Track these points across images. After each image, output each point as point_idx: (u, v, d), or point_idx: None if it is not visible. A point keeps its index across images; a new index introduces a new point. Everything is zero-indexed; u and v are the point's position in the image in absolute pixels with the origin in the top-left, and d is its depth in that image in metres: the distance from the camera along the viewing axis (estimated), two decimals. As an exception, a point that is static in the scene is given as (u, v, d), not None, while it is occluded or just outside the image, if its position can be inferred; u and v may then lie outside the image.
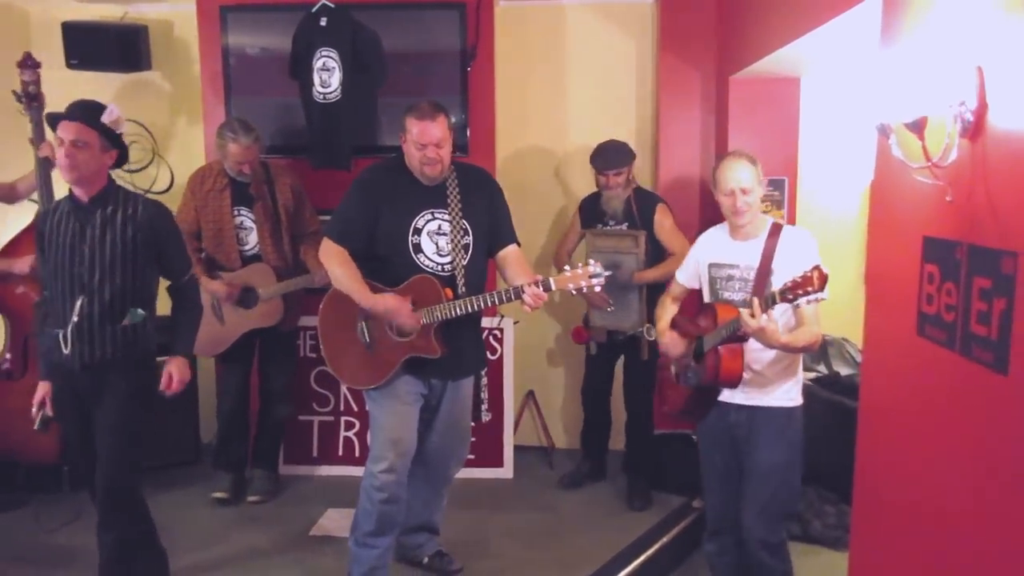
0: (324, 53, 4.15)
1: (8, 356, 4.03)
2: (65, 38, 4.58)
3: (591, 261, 2.99)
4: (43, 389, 3.07)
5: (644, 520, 3.96)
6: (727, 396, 2.87)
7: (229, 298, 4.00)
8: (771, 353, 2.78)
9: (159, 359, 3.09)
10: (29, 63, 4.00)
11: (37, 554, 3.64)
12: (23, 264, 3.78)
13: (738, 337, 2.65)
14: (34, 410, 3.07)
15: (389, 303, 3.00)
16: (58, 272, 2.94)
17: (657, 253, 4.08)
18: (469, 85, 4.41)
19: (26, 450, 4.02)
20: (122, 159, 3.02)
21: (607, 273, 2.97)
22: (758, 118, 4.24)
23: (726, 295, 2.88)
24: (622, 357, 4.30)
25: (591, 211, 4.21)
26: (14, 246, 4.01)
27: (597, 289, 2.99)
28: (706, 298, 2.99)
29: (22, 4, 4.77)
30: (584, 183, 4.55)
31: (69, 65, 4.58)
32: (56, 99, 4.15)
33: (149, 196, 4.48)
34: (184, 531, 3.86)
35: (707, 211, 4.61)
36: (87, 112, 2.89)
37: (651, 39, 4.68)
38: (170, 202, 4.53)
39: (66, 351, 2.92)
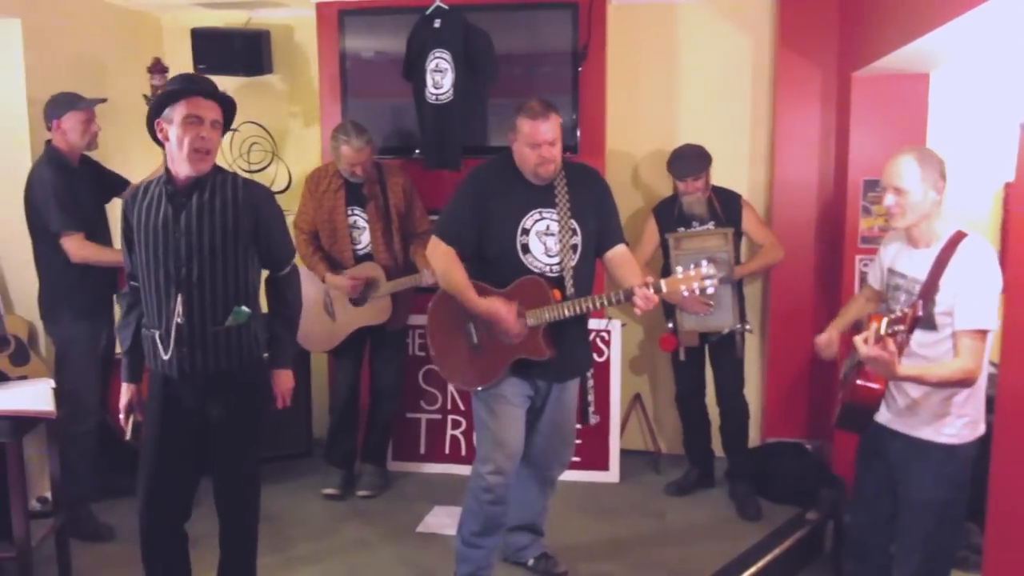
0: (437, 54, 4.20)
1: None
2: (194, 44, 4.78)
3: (703, 262, 2.88)
4: (128, 392, 2.82)
5: (754, 531, 3.84)
6: (884, 418, 2.64)
7: (352, 292, 4.08)
8: None
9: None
10: (158, 68, 4.21)
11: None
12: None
13: None
14: (121, 417, 2.84)
15: (495, 309, 2.98)
16: (150, 265, 2.64)
17: (738, 252, 4.09)
18: (580, 85, 4.38)
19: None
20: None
21: (721, 275, 2.88)
22: (883, 117, 4.05)
23: (895, 307, 2.61)
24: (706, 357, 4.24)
25: (668, 216, 4.15)
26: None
27: (710, 291, 2.90)
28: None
29: (156, 12, 5.02)
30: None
31: (197, 70, 4.78)
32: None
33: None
34: (297, 522, 3.99)
35: (824, 216, 4.45)
36: (212, 86, 2.66)
37: (769, 35, 4.54)
38: (287, 202, 4.71)
39: (165, 357, 2.66)
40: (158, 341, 2.67)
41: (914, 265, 2.58)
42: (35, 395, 3.20)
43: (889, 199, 2.53)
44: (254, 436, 2.85)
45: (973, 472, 2.58)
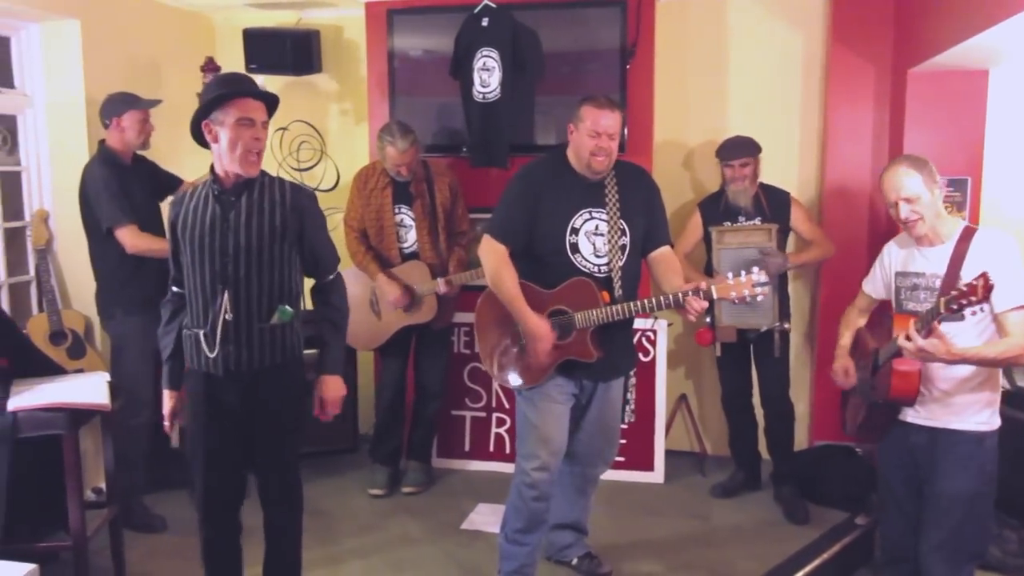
0: (485, 53, 4.21)
1: None
2: (246, 44, 4.85)
3: (755, 269, 2.87)
4: (171, 399, 2.84)
5: (801, 534, 3.78)
6: (909, 415, 2.66)
7: (396, 304, 4.11)
8: (960, 369, 2.54)
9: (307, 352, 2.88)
10: (211, 67, 4.28)
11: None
12: None
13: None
14: (167, 424, 2.87)
15: (537, 330, 2.97)
16: (197, 264, 2.68)
17: (782, 244, 4.06)
18: (628, 83, 4.35)
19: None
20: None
21: (769, 281, 2.86)
22: (939, 115, 3.96)
23: (910, 306, 2.67)
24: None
25: (713, 210, 4.12)
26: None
27: (760, 299, 2.88)
28: (893, 310, 2.79)
29: (208, 13, 5.10)
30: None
31: (248, 69, 4.85)
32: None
33: (316, 193, 4.76)
34: (343, 517, 4.03)
35: (877, 216, 4.36)
36: (256, 86, 2.68)
37: (821, 30, 4.46)
38: (335, 200, 4.77)
39: (211, 355, 2.69)
40: (203, 339, 2.70)
41: (929, 262, 2.63)
42: (91, 388, 3.27)
43: (904, 210, 2.58)
44: (295, 431, 2.86)
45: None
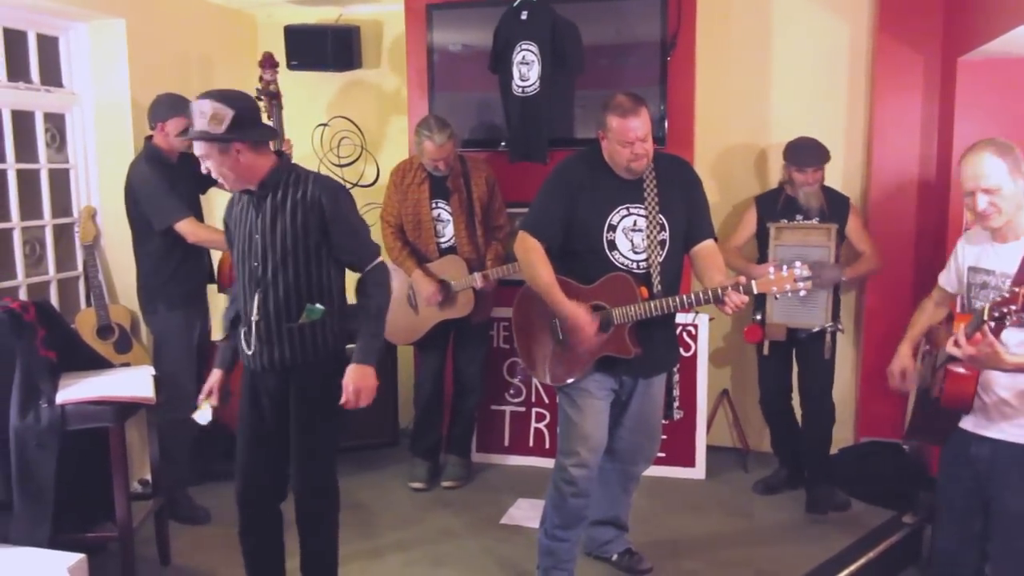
0: (524, 47, 4.19)
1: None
2: (287, 41, 4.89)
3: (797, 264, 2.78)
4: (215, 377, 2.93)
5: (846, 533, 3.72)
6: (969, 423, 2.47)
7: (431, 301, 4.12)
8: (1023, 378, 2.34)
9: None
10: (269, 63, 4.30)
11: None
12: None
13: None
14: (200, 397, 2.94)
15: (577, 319, 2.94)
16: (237, 264, 2.79)
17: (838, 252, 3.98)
18: (668, 76, 4.30)
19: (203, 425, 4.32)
20: (261, 136, 2.69)
21: (813, 276, 2.78)
22: (991, 105, 3.84)
23: (978, 305, 2.43)
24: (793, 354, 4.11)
25: (771, 206, 4.06)
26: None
27: (802, 294, 2.81)
28: (958, 307, 2.62)
29: (252, 10, 5.15)
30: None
31: (290, 66, 4.89)
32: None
33: (355, 189, 4.79)
34: (383, 510, 4.06)
35: (924, 209, 4.26)
36: (201, 132, 2.59)
37: (867, 19, 4.37)
38: (375, 196, 4.79)
39: (249, 352, 2.79)
40: (243, 337, 2.82)
41: (1002, 260, 2.43)
42: (137, 381, 3.33)
43: (982, 201, 2.36)
44: (327, 424, 2.86)
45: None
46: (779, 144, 4.48)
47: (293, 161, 2.93)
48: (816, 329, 3.94)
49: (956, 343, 2.23)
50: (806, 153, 3.95)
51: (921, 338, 2.75)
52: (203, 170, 2.71)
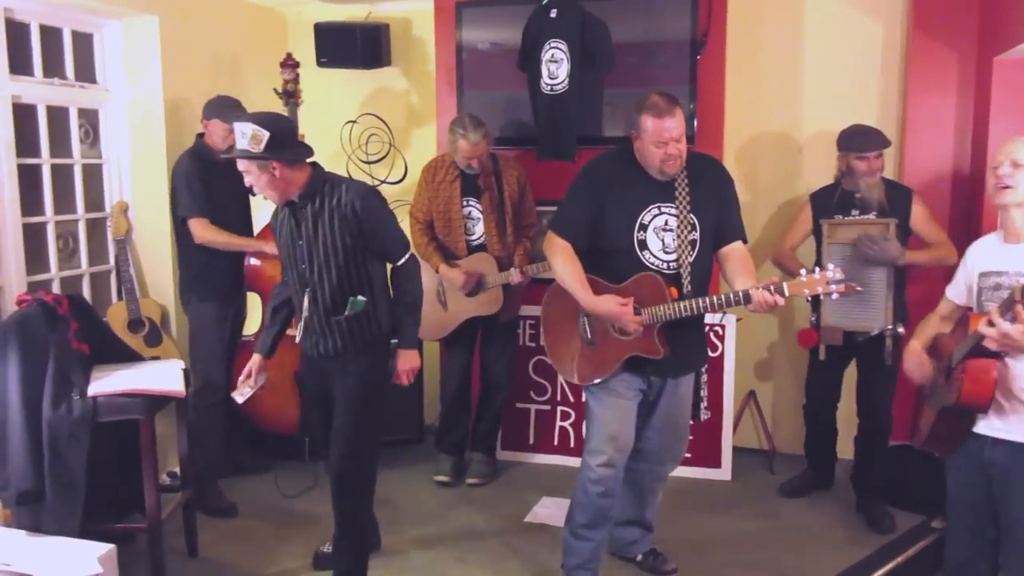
0: (553, 45, 4.18)
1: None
2: (317, 38, 4.92)
3: (830, 266, 2.74)
4: (254, 362, 3.21)
5: (874, 537, 3.69)
6: (984, 427, 2.44)
7: (464, 287, 4.13)
8: None
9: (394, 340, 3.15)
10: (289, 63, 4.37)
11: (277, 515, 3.97)
12: (272, 247, 4.02)
13: (990, 351, 2.29)
14: (240, 378, 3.22)
15: (612, 307, 2.92)
16: (287, 268, 3.11)
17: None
18: (698, 74, 4.28)
19: (274, 421, 4.39)
20: (295, 156, 2.93)
21: (845, 280, 2.74)
22: (1028, 104, 3.79)
23: (990, 308, 2.41)
24: (852, 362, 3.97)
25: (826, 203, 3.90)
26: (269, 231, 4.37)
27: (834, 298, 2.77)
28: (972, 312, 2.58)
29: (282, 8, 5.18)
30: (822, 175, 4.27)
31: (319, 63, 4.93)
32: (305, 95, 4.50)
33: (383, 186, 4.81)
34: (408, 506, 4.07)
35: (958, 209, 4.21)
36: (242, 151, 2.87)
37: (901, 17, 4.31)
38: (403, 193, 4.81)
39: (305, 343, 3.12)
40: (300, 330, 3.11)
41: (1015, 260, 2.44)
42: (167, 375, 3.37)
43: (1005, 168, 2.42)
44: (369, 409, 3.11)
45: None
46: (813, 143, 4.47)
47: (323, 166, 3.13)
48: (875, 332, 3.73)
49: (989, 322, 2.22)
50: (866, 138, 3.75)
51: (931, 343, 2.71)
52: (246, 183, 2.98)
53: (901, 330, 3.71)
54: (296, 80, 4.40)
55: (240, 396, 3.20)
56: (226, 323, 4.06)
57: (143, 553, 3.28)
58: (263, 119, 2.87)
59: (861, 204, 3.79)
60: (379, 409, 3.17)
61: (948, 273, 4.05)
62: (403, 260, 3.09)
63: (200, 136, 3.98)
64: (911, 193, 3.83)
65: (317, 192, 2.97)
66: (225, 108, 3.90)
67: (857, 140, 3.77)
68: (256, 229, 4.25)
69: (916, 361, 2.67)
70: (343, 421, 3.08)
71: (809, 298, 2.78)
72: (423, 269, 4.06)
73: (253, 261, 4.16)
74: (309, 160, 3.01)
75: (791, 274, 3.19)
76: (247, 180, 2.93)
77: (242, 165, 2.90)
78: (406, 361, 3.13)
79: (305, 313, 3.05)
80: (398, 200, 4.80)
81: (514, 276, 4.08)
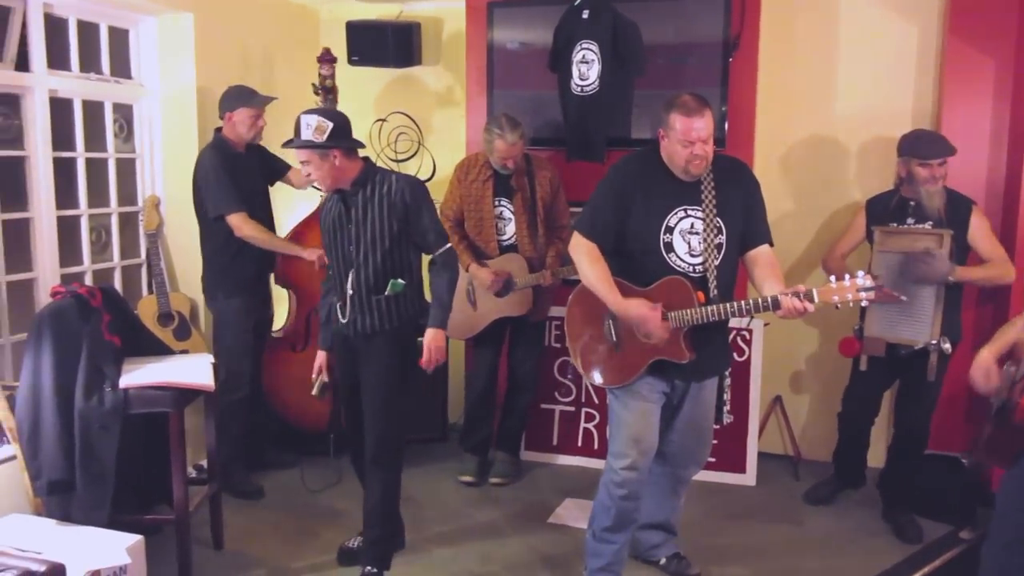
0: (584, 45, 4.18)
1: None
2: (348, 36, 4.95)
3: (860, 273, 2.71)
4: (321, 357, 3.43)
5: (901, 547, 3.66)
6: None
7: (492, 287, 4.13)
8: None
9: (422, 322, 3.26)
10: (327, 58, 4.40)
11: (303, 510, 4.00)
12: (312, 254, 4.05)
13: None
14: (313, 376, 3.42)
15: (639, 311, 2.91)
16: (332, 250, 3.27)
17: (957, 260, 3.61)
18: (730, 76, 4.25)
19: (301, 417, 4.43)
20: (353, 145, 3.16)
21: (876, 287, 2.70)
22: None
23: None
24: (896, 381, 3.89)
25: (882, 211, 3.79)
26: (304, 230, 4.40)
27: (864, 304, 2.74)
28: None
29: (315, 5, 5.21)
30: (854, 181, 4.25)
31: (350, 61, 4.95)
32: (341, 93, 4.52)
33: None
34: (431, 504, 4.08)
35: (995, 222, 4.11)
36: (306, 140, 3.08)
37: (936, 22, 4.26)
38: (431, 190, 4.78)
39: (343, 320, 3.25)
40: (338, 308, 3.27)
41: None
42: (197, 369, 3.40)
43: None
44: (399, 385, 3.24)
45: None
46: (845, 147, 4.43)
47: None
48: (919, 347, 3.59)
49: None
50: (932, 144, 3.60)
51: (1007, 350, 2.61)
52: (303, 174, 3.16)
53: (947, 347, 3.59)
54: (333, 76, 4.44)
55: (319, 393, 3.41)
56: (252, 317, 4.11)
57: (170, 544, 3.31)
58: (325, 112, 3.16)
59: (918, 212, 3.67)
60: (406, 392, 3.29)
61: (1005, 292, 3.99)
62: (442, 250, 3.24)
63: (219, 130, 4.00)
64: (971, 205, 3.69)
65: (369, 181, 3.17)
66: (247, 95, 3.95)
67: (921, 146, 3.62)
68: (279, 217, 4.28)
69: (983, 371, 2.58)
70: (377, 396, 3.22)
71: (839, 305, 2.74)
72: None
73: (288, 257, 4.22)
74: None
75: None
76: (304, 169, 3.13)
77: (303, 155, 3.10)
78: (433, 339, 3.21)
79: (349, 291, 3.21)
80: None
81: (545, 278, 4.08)
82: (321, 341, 3.47)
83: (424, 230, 3.21)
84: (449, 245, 3.27)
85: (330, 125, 3.06)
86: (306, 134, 3.06)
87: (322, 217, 3.34)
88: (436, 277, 3.27)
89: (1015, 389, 2.38)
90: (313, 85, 4.39)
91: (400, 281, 3.21)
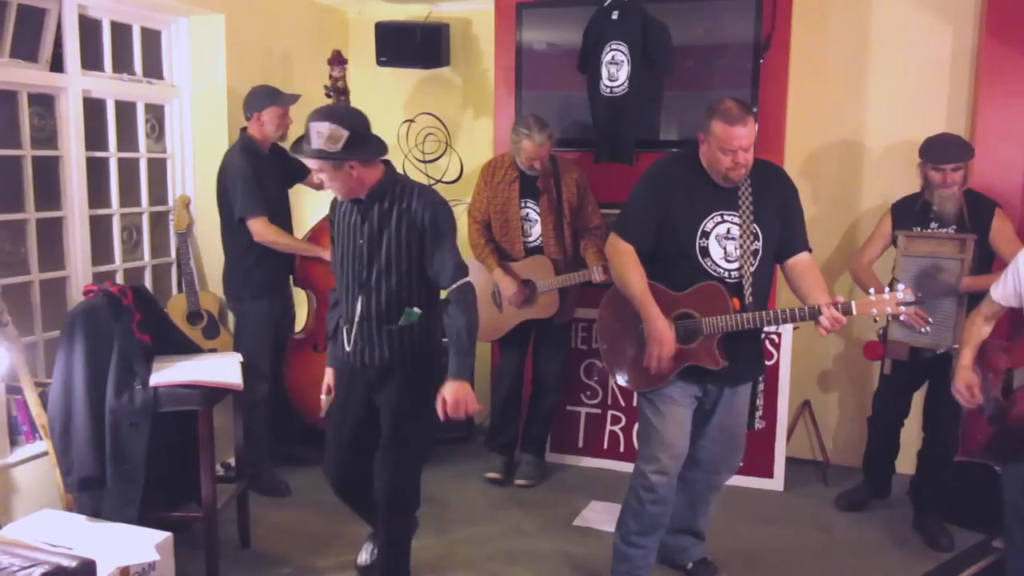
0: (614, 47, 4.16)
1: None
2: (377, 37, 4.96)
3: (900, 286, 2.68)
4: (329, 376, 3.13)
5: (931, 554, 3.60)
6: None
7: (514, 300, 4.12)
8: None
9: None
10: (338, 60, 4.40)
11: (329, 509, 3.98)
12: (329, 255, 4.07)
13: None
14: (322, 395, 3.15)
15: (661, 333, 2.89)
16: (341, 266, 2.93)
17: (982, 264, 3.58)
18: (760, 79, 4.21)
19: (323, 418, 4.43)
20: (373, 153, 2.79)
21: (918, 300, 2.67)
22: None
23: None
24: (925, 383, 3.84)
25: (906, 214, 3.77)
26: (322, 230, 4.39)
27: (902, 319, 2.71)
28: None
29: (343, 6, 5.23)
30: (886, 186, 4.18)
31: (379, 62, 4.96)
32: (364, 94, 4.52)
33: (438, 185, 4.83)
34: (456, 505, 4.08)
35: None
36: (317, 150, 2.72)
37: (972, 24, 4.20)
38: (458, 191, 4.82)
39: (348, 348, 2.94)
40: (345, 333, 2.96)
41: None
42: (226, 368, 3.42)
43: None
44: (416, 425, 2.98)
45: None
46: (876, 152, 4.38)
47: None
48: (941, 351, 3.57)
49: None
50: (943, 149, 3.60)
51: (977, 351, 2.68)
52: (315, 181, 2.88)
53: None
54: (344, 77, 4.41)
55: (328, 413, 3.13)
56: (274, 319, 4.11)
57: (198, 542, 3.33)
58: (341, 116, 2.73)
59: (940, 217, 3.66)
60: (425, 426, 3.02)
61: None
62: (456, 285, 2.81)
63: (244, 130, 4.01)
64: (994, 207, 3.66)
65: (387, 193, 2.82)
66: (274, 94, 3.94)
67: (933, 151, 3.64)
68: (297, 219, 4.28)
69: (964, 385, 2.65)
70: (391, 444, 2.94)
71: (877, 319, 2.71)
72: (478, 270, 4.09)
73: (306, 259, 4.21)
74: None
75: (865, 290, 3.09)
76: (316, 177, 2.80)
77: (315, 164, 2.74)
78: (454, 391, 2.79)
79: (358, 318, 2.88)
80: (453, 199, 4.76)
81: (596, 275, 3.97)
82: (329, 358, 3.13)
83: (442, 260, 2.80)
84: (467, 279, 2.84)
85: (345, 134, 2.66)
86: (316, 142, 2.67)
87: (334, 218, 2.98)
88: (452, 320, 2.81)
89: (1015, 394, 2.37)
90: (325, 87, 4.38)
91: (416, 310, 2.85)
